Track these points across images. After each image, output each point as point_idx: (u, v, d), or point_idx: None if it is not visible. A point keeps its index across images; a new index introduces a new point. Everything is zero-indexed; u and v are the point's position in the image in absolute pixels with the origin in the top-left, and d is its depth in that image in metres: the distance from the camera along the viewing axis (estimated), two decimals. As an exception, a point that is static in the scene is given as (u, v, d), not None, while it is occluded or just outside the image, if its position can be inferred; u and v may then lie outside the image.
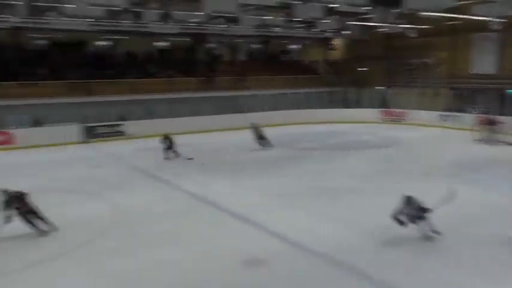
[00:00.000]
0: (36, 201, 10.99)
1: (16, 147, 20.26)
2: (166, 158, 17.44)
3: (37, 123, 22.17)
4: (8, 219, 8.81)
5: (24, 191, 9.22)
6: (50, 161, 17.78)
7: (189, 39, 30.44)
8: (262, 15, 20.95)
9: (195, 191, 12.81)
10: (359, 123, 26.57)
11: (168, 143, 17.59)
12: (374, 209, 10.44)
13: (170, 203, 11.98)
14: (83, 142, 22.10)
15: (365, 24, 23.30)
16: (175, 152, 17.59)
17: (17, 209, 8.97)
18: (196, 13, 20.38)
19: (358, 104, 29.85)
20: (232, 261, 8.07)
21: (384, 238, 8.85)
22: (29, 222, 9.07)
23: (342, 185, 13.17)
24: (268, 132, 19.81)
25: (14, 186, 13.07)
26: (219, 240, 9.14)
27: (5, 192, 8.98)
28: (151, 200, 12.24)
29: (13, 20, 19.68)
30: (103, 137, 22.68)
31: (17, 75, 22.73)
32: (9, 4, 18.11)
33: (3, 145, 20.31)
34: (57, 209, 11.31)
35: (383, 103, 29.18)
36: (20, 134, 20.91)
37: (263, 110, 27.22)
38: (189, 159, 17.26)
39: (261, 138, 19.46)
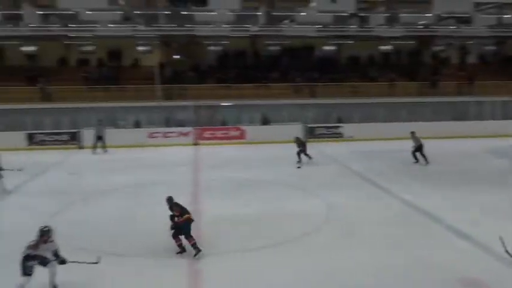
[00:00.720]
0: (259, 192, 12.29)
1: (246, 142, 22.79)
2: (299, 162, 17.59)
3: (265, 121, 24.55)
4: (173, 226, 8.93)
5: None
6: (273, 157, 19.43)
7: (413, 42, 29.50)
8: (499, 14, 19.07)
9: (410, 198, 12.46)
10: None
11: (301, 147, 17.76)
12: None
13: (383, 208, 11.93)
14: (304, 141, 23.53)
15: None
16: (307, 155, 17.76)
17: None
18: (425, 15, 19.76)
19: None
20: (448, 277, 7.66)
21: None
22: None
23: None
24: (502, 143, 17.79)
25: (240, 175, 14.93)
26: (433, 253, 8.76)
27: (170, 199, 9.08)
28: (364, 203, 12.39)
29: (253, 29, 22.18)
30: (322, 137, 23.74)
31: (252, 79, 25.48)
32: (250, 15, 20.57)
33: (237, 140, 23.12)
34: (276, 202, 12.46)
35: None
36: (251, 130, 23.44)
37: (493, 119, 24.70)
38: (300, 162, 17.48)
39: (419, 150, 17.33)
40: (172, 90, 24.59)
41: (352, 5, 17.68)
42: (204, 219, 10.86)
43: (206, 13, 18.94)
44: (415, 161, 17.37)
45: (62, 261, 7.48)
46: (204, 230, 10.07)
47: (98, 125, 21.41)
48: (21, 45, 24.61)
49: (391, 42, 29.01)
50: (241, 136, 23.35)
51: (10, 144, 20.73)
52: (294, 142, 18.02)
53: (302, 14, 19.71)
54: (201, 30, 22.41)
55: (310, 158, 17.84)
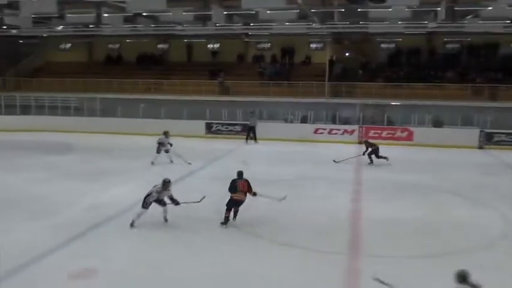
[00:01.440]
0: (423, 197, 11.72)
1: (414, 144, 21.83)
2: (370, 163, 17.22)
3: (437, 123, 23.13)
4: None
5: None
6: (442, 162, 18.35)
7: None
8: None
9: None
10: None
11: (368, 149, 17.11)
12: None
13: None
14: (479, 148, 21.68)
15: None
16: (380, 156, 17.11)
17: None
18: None
19: None
20: None
21: None
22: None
23: None
24: None
25: (404, 178, 14.41)
26: None
27: (240, 172, 10.46)
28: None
29: (430, 26, 20.99)
30: (501, 144, 21.59)
31: (425, 78, 24.22)
32: (428, 10, 19.51)
33: (403, 141, 22.26)
34: (442, 210, 11.82)
35: None
36: (419, 132, 22.38)
37: None
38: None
39: None
40: (341, 88, 24.71)
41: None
42: (363, 219, 10.85)
43: (381, 10, 18.45)
44: None
45: (177, 203, 9.88)
46: (364, 230, 10.07)
47: (250, 116, 22.75)
48: (207, 43, 27.15)
49: None
50: (409, 137, 22.45)
51: (192, 132, 23.39)
52: (363, 144, 17.81)
53: (489, 8, 17.94)
54: (375, 28, 21.97)
55: (384, 158, 17.12)
